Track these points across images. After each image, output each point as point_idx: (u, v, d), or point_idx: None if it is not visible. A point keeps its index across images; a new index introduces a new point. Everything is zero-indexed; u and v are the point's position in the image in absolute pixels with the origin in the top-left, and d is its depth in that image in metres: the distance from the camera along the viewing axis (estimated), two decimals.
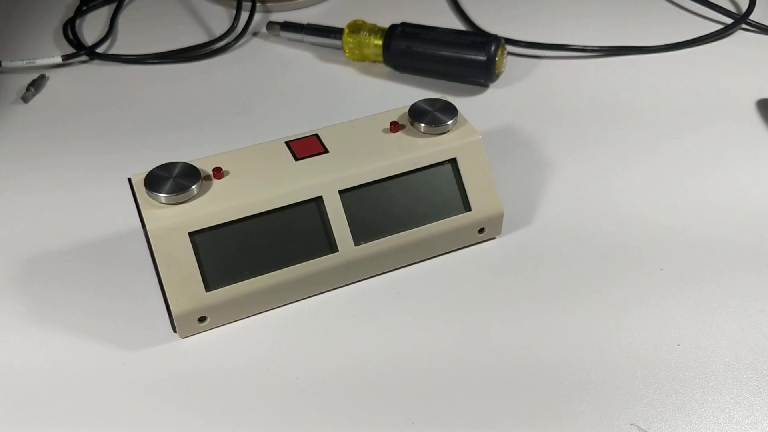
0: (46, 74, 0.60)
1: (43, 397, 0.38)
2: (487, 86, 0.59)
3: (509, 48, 0.63)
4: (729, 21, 0.65)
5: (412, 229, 0.44)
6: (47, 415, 0.37)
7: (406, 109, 0.46)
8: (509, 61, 0.62)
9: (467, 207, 0.45)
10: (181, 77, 0.61)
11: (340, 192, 0.42)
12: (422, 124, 0.45)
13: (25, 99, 0.57)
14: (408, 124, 0.46)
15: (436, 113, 0.45)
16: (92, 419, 0.37)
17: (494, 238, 0.46)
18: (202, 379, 0.39)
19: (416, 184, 0.44)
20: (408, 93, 0.59)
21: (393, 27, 0.59)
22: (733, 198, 0.49)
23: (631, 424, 0.36)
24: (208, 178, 0.42)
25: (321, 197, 0.42)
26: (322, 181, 0.42)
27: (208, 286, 0.40)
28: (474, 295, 0.43)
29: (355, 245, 0.42)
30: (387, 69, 0.61)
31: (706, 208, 0.48)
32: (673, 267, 0.44)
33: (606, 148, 0.53)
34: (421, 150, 0.44)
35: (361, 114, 0.56)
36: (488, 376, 0.39)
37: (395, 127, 0.45)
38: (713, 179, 0.50)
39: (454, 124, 0.45)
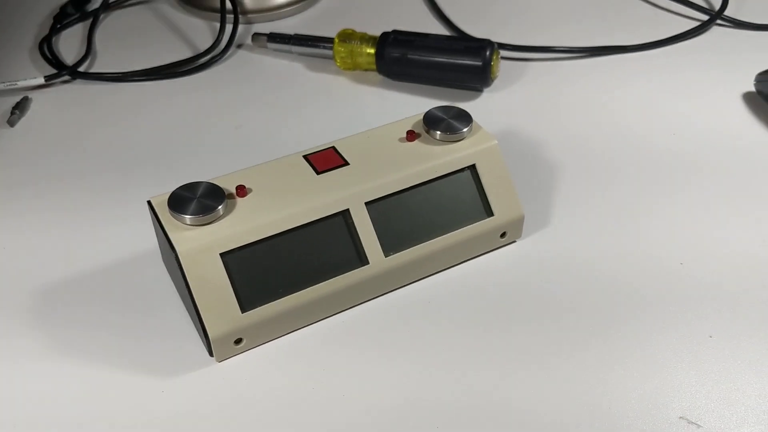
0: (29, 96, 0.58)
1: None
2: (481, 91, 0.59)
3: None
4: (705, 18, 0.67)
5: (438, 237, 0.44)
6: None
7: (420, 118, 0.46)
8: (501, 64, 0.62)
9: (489, 212, 0.45)
10: (169, 93, 0.60)
11: (367, 204, 0.42)
12: (438, 132, 0.45)
13: (11, 123, 0.55)
14: (423, 133, 0.46)
15: (451, 121, 0.45)
16: None
17: (514, 241, 0.47)
18: (246, 401, 0.38)
19: (438, 192, 0.44)
20: (404, 101, 0.59)
21: (385, 35, 0.59)
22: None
23: (680, 417, 0.37)
24: (231, 196, 0.41)
25: (348, 210, 0.42)
26: (348, 193, 0.42)
27: (244, 307, 0.39)
28: (503, 299, 0.43)
29: (385, 256, 0.42)
30: (379, 77, 0.61)
31: (709, 197, 0.49)
32: (691, 262, 0.45)
33: (605, 146, 0.54)
34: (440, 158, 0.44)
35: (361, 124, 0.56)
36: (531, 376, 0.39)
37: (411, 136, 0.45)
38: (710, 168, 0.52)
39: (470, 131, 0.45)
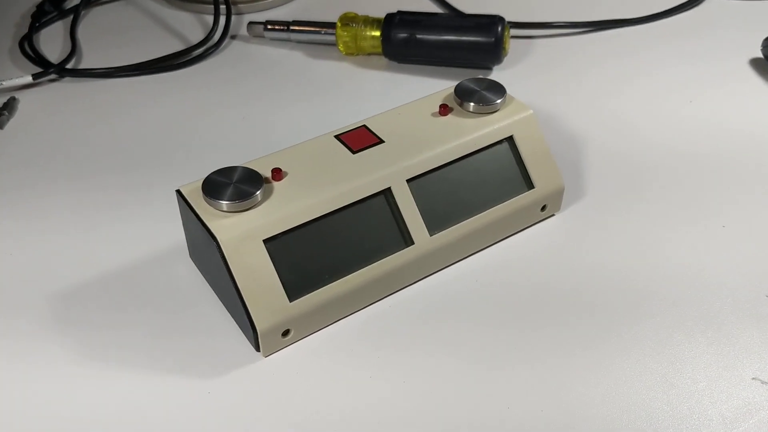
0: (16, 96, 0.54)
1: None
2: (490, 69, 0.58)
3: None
4: None
5: (482, 213, 0.42)
6: None
7: (450, 91, 0.44)
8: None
9: (530, 185, 0.43)
10: (164, 88, 0.56)
11: (408, 181, 0.40)
12: (471, 104, 0.43)
13: (0, 124, 0.51)
14: (456, 106, 0.44)
15: (484, 92, 0.44)
16: None
17: (554, 215, 0.45)
18: (297, 396, 0.35)
19: (478, 166, 0.42)
20: (413, 83, 0.57)
21: (390, 16, 0.57)
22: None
23: (753, 378, 0.36)
24: (267, 180, 0.39)
25: (390, 189, 0.39)
26: (388, 171, 0.40)
27: (291, 296, 0.37)
28: (552, 274, 0.41)
29: (430, 235, 0.40)
30: (384, 60, 0.59)
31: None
32: (734, 221, 0.44)
33: (620, 116, 0.53)
34: (476, 131, 0.42)
35: (370, 109, 0.54)
36: (593, 344, 0.37)
37: (444, 109, 0.43)
38: (728, 135, 0.51)
39: (504, 102, 0.44)
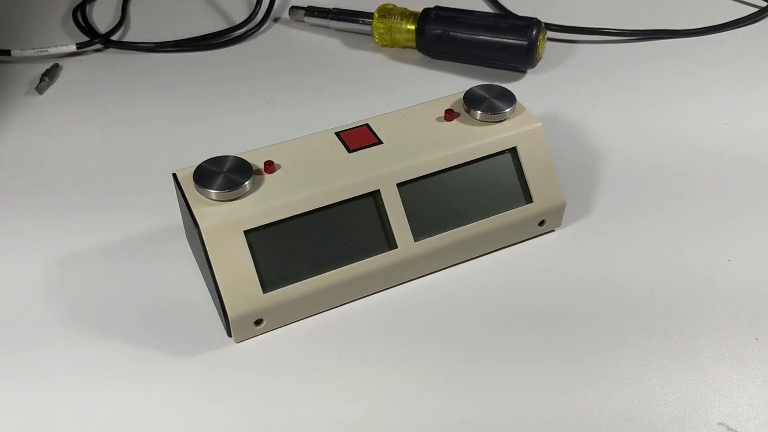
0: (60, 63, 0.57)
1: (93, 411, 0.35)
2: (524, 72, 0.57)
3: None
4: (763, 4, 0.64)
5: (472, 223, 0.41)
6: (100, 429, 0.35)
7: (460, 96, 0.44)
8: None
9: (528, 198, 0.42)
10: (202, 66, 0.58)
11: (398, 185, 0.40)
12: (479, 112, 0.43)
13: (39, 90, 0.54)
14: (463, 112, 0.43)
15: (494, 100, 0.43)
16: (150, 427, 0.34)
17: (553, 230, 0.44)
18: (262, 385, 0.36)
19: (475, 175, 0.42)
20: (444, 80, 0.56)
21: (427, 11, 0.57)
22: None
23: (720, 423, 0.34)
24: (259, 172, 0.39)
25: (378, 191, 0.40)
26: (379, 174, 0.40)
27: (265, 287, 0.38)
28: (539, 291, 0.41)
29: (415, 241, 0.40)
30: (418, 55, 0.58)
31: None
32: (739, 260, 0.42)
33: (652, 134, 0.51)
34: (479, 139, 0.42)
35: (397, 103, 0.53)
36: (560, 375, 0.37)
37: (450, 115, 0.43)
38: (755, 166, 0.49)
39: (512, 111, 0.43)
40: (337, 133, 0.42)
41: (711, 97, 0.54)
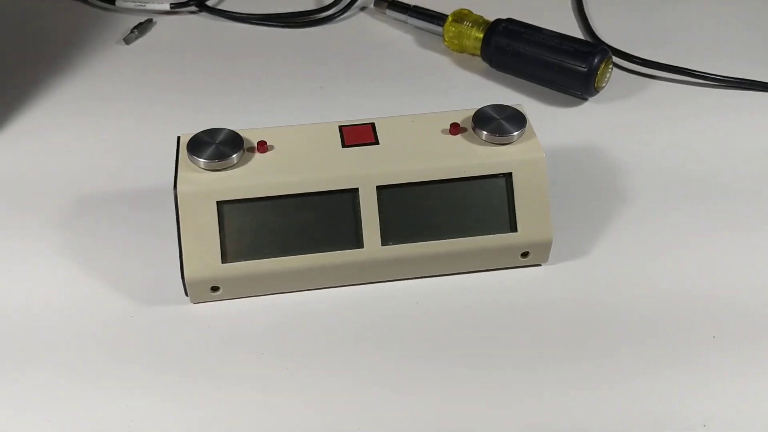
0: (154, 20, 0.62)
1: (48, 328, 0.39)
2: (585, 99, 0.55)
3: (622, 62, 0.58)
4: None
5: (447, 240, 0.41)
6: (47, 345, 0.38)
7: (473, 112, 0.43)
8: (618, 76, 0.57)
9: (513, 227, 0.41)
10: (280, 42, 0.61)
11: (378, 187, 0.40)
12: (484, 132, 0.42)
13: (127, 41, 0.59)
14: (470, 129, 0.43)
15: (503, 122, 0.42)
16: (87, 360, 0.38)
17: (539, 265, 0.43)
18: (199, 345, 0.39)
19: (462, 194, 0.41)
20: (500, 93, 0.55)
21: (497, 22, 0.56)
22: None
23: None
24: (251, 149, 0.41)
25: (357, 189, 0.40)
26: (362, 173, 0.40)
27: (226, 258, 0.40)
28: (501, 322, 0.40)
29: (382, 245, 0.40)
30: (484, 64, 0.58)
31: None
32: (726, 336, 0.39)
33: (695, 191, 0.47)
34: (476, 158, 0.41)
35: (445, 107, 0.54)
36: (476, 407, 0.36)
37: (455, 129, 0.43)
38: None
39: (520, 136, 0.42)
40: (340, 127, 0.43)
41: None
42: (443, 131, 0.43)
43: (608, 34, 0.60)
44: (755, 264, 0.43)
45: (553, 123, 0.53)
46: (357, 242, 0.41)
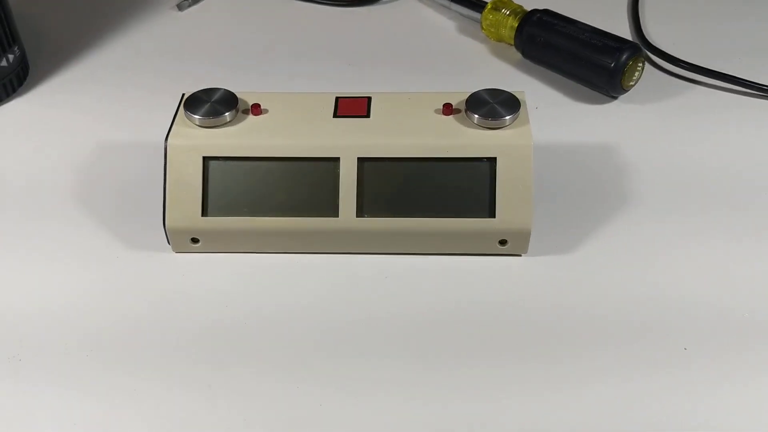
0: None
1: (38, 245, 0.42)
2: (614, 98, 0.53)
3: (665, 65, 0.55)
4: None
5: (423, 218, 0.41)
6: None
7: (469, 94, 0.43)
8: (658, 78, 0.54)
9: (491, 213, 0.41)
10: (324, 18, 0.62)
11: (359, 159, 0.41)
12: (475, 115, 0.41)
13: (180, 7, 0.62)
14: (463, 111, 0.42)
15: (496, 106, 0.41)
16: (67, 289, 0.41)
17: (519, 255, 0.42)
18: (173, 292, 0.41)
19: (444, 174, 0.41)
20: (529, 85, 0.54)
21: (532, 12, 0.55)
22: None
23: None
24: (246, 111, 0.43)
25: (338, 159, 0.41)
26: (345, 143, 0.41)
27: (205, 212, 0.41)
28: (467, 308, 0.39)
29: (357, 216, 0.41)
30: (519, 55, 0.57)
31: None
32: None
33: (702, 215, 0.44)
34: (461, 140, 0.41)
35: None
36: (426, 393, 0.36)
37: (448, 109, 0.42)
38: None
39: (512, 121, 0.41)
40: (337, 98, 0.44)
41: None
42: (436, 111, 0.43)
43: (658, 36, 0.58)
44: (748, 277, 0.40)
45: (575, 119, 0.51)
46: (333, 211, 0.41)
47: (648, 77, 0.54)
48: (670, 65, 0.55)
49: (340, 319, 0.39)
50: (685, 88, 0.54)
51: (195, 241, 0.42)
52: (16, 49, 0.53)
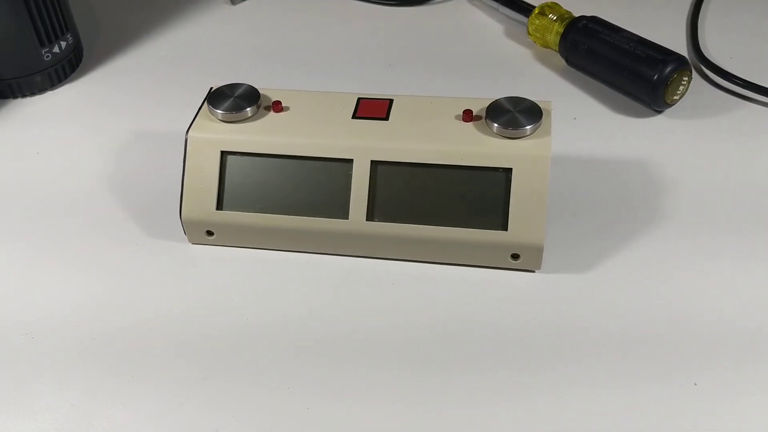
0: None
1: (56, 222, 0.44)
2: (659, 111, 0.50)
3: (717, 79, 0.52)
4: None
5: (433, 227, 0.40)
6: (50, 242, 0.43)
7: (488, 102, 0.42)
8: (707, 91, 0.52)
9: (503, 225, 0.40)
10: (372, 17, 0.62)
11: (373, 162, 0.41)
12: (495, 124, 0.40)
13: (233, 1, 0.63)
14: (483, 118, 0.41)
15: (517, 115, 0.40)
16: (85, 273, 0.42)
17: (532, 271, 0.41)
18: (184, 282, 0.41)
19: (457, 183, 0.40)
20: (571, 94, 0.53)
21: (579, 18, 0.53)
22: None
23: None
24: (268, 108, 0.43)
25: (352, 161, 0.41)
26: (360, 145, 0.41)
27: (220, 206, 0.42)
28: (472, 322, 0.39)
29: (366, 220, 0.41)
30: (564, 62, 0.55)
31: None
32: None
33: (733, 238, 0.42)
34: (477, 148, 0.40)
35: None
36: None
37: (467, 116, 0.42)
38: None
39: (532, 131, 0.40)
40: (359, 99, 0.44)
41: None
42: (456, 117, 0.42)
43: (714, 48, 0.55)
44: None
45: (614, 131, 0.49)
46: (343, 213, 0.41)
47: (697, 91, 0.51)
48: (722, 80, 0.52)
49: (342, 322, 0.39)
50: (736, 104, 0.51)
51: (210, 233, 0.43)
52: (69, 36, 0.55)
